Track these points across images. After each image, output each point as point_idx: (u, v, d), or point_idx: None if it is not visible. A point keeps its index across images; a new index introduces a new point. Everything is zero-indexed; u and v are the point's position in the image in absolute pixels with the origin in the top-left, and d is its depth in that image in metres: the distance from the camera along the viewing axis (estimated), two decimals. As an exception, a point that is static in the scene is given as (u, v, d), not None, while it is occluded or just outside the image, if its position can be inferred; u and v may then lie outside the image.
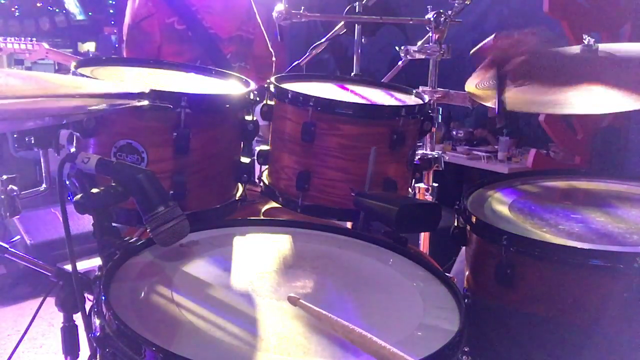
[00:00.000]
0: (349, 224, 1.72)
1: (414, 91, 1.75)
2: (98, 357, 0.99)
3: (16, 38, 3.71)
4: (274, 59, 2.82)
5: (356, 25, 2.15)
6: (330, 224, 1.50)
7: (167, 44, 2.48)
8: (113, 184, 1.11)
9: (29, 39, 3.74)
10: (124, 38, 2.55)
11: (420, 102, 1.62)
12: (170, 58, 2.44)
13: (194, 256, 1.20)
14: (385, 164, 1.51)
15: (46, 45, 3.78)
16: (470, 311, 1.06)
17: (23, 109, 0.86)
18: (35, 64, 3.81)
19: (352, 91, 1.73)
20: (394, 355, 0.85)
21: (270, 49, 2.81)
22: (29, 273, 3.43)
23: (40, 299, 1.26)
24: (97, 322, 0.97)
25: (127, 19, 2.53)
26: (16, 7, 5.58)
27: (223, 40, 2.55)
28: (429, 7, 1.88)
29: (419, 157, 1.75)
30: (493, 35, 1.88)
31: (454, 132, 4.94)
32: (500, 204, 1.52)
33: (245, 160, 1.55)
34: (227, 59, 2.56)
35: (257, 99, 1.53)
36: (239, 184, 1.57)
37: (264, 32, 2.76)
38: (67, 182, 1.13)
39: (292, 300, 1.02)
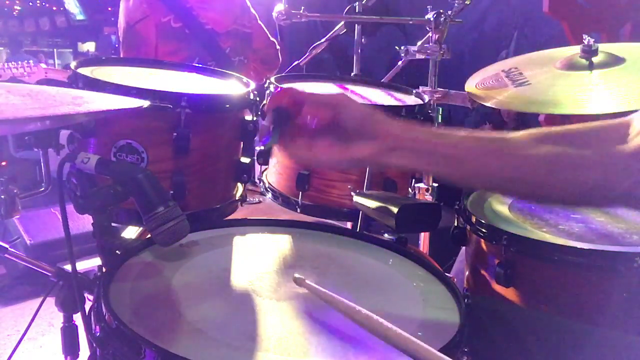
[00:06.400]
0: (349, 224, 1.72)
1: (414, 91, 1.75)
2: (98, 357, 0.99)
3: (14, 63, 3.91)
4: (278, 47, 2.81)
5: (356, 25, 2.15)
6: (330, 224, 1.50)
7: (163, 44, 2.47)
8: (113, 184, 1.11)
9: (26, 61, 3.93)
10: (120, 40, 2.55)
11: (420, 102, 1.62)
12: (167, 57, 2.44)
13: (194, 256, 1.20)
14: (385, 164, 1.51)
15: (43, 66, 4.02)
16: (470, 311, 1.06)
17: (24, 116, 0.86)
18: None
19: (352, 91, 1.73)
20: (399, 336, 0.85)
21: (272, 38, 2.80)
22: (29, 273, 3.42)
23: (40, 299, 1.26)
24: (96, 322, 0.97)
25: (122, 21, 2.52)
26: (16, 7, 5.58)
27: (220, 35, 2.55)
28: (429, 7, 1.89)
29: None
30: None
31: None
32: (500, 204, 1.52)
33: (245, 160, 1.55)
34: (226, 53, 2.55)
35: (257, 99, 1.53)
36: (239, 184, 1.57)
37: (262, 24, 2.75)
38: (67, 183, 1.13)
39: (299, 282, 1.04)
